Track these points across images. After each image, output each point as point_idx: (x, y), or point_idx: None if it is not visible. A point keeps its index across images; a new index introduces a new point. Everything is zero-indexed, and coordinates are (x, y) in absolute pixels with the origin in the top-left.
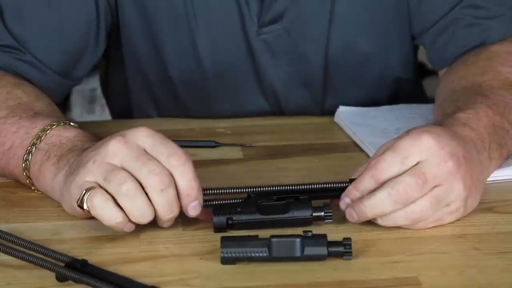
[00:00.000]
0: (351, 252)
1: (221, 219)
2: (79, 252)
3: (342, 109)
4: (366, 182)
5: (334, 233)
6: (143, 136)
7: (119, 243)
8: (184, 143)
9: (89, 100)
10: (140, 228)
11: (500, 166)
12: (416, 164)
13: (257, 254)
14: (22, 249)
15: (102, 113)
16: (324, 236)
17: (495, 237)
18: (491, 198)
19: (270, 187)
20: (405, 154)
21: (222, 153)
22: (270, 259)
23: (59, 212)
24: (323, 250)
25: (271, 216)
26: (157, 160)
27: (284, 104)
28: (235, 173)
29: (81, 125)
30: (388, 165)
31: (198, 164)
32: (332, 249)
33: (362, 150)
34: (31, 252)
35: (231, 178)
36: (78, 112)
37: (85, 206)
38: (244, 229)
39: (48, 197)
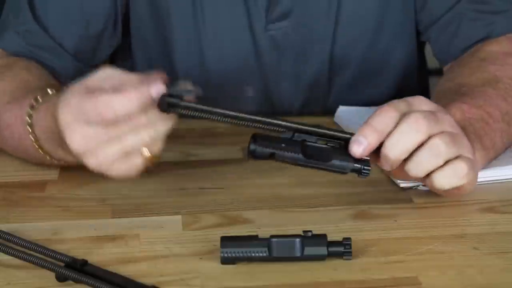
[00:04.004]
0: (351, 252)
1: (264, 150)
2: (79, 252)
3: (342, 108)
4: (383, 117)
5: (334, 233)
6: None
7: (119, 243)
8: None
9: None
10: (140, 228)
11: (489, 159)
12: None
13: (257, 254)
14: (22, 249)
15: None
16: (324, 236)
17: (495, 237)
18: (491, 198)
19: (316, 128)
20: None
21: (222, 153)
22: (270, 259)
23: (59, 212)
24: (323, 250)
25: (313, 161)
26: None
27: (286, 103)
28: (235, 173)
29: None
30: (395, 104)
31: (198, 164)
32: (332, 249)
33: None
34: (31, 252)
35: (230, 178)
36: None
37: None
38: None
39: (48, 197)
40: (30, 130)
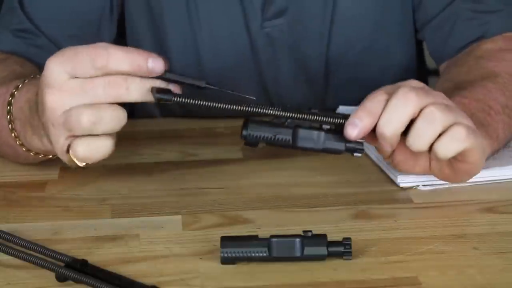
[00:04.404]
0: (351, 252)
1: (256, 136)
2: (79, 252)
3: (341, 108)
4: (375, 101)
5: (334, 233)
6: None
7: (119, 243)
8: (173, 76)
9: None
10: (140, 228)
11: (494, 149)
12: None
13: (257, 254)
14: (22, 249)
15: None
16: (324, 236)
17: (495, 237)
18: (491, 198)
19: (308, 111)
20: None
21: (222, 153)
22: (270, 259)
23: (59, 212)
24: (323, 250)
25: (306, 143)
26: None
27: (284, 100)
28: (235, 173)
29: None
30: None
31: (197, 164)
32: (332, 249)
33: None
34: (31, 252)
35: (230, 178)
36: None
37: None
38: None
39: (48, 197)
40: (8, 109)
